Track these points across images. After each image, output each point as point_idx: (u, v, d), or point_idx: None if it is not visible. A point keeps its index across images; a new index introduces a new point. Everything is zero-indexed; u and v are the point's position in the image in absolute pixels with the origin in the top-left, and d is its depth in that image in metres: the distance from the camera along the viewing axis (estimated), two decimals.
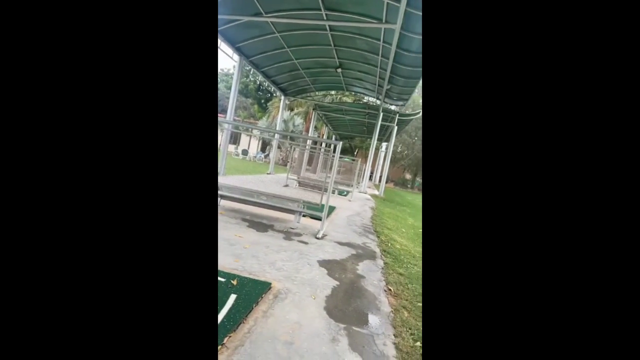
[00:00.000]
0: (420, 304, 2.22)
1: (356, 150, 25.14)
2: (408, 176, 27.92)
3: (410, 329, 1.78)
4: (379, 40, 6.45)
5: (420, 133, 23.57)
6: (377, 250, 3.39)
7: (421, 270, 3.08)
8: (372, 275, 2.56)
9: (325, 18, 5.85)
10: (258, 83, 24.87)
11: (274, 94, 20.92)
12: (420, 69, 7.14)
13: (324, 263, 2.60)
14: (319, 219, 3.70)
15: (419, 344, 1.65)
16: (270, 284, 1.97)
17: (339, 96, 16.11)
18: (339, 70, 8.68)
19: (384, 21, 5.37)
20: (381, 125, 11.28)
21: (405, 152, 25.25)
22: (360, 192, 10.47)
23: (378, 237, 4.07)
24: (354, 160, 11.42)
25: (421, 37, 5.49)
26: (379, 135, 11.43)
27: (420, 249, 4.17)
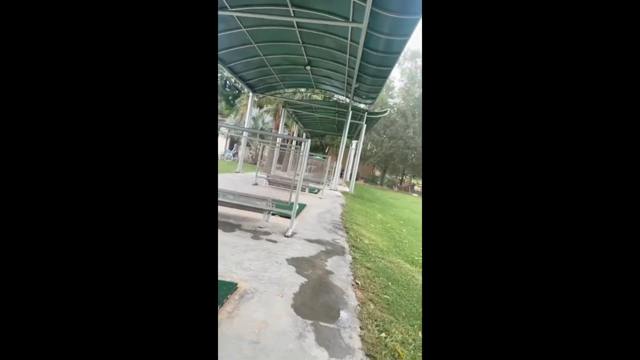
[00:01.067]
0: (386, 296, 2.29)
1: (327, 148, 25.31)
2: (378, 173, 28.64)
3: (375, 320, 1.83)
4: (347, 38, 6.52)
5: (388, 131, 24.25)
6: (346, 245, 3.45)
7: (388, 263, 3.19)
8: (340, 270, 2.60)
9: (292, 15, 5.81)
10: (225, 79, 24.12)
11: (242, 91, 20.41)
12: (387, 69, 7.33)
13: (292, 261, 2.59)
14: (289, 217, 3.68)
15: (383, 334, 1.70)
16: (236, 284, 1.93)
17: (309, 94, 16.09)
18: (308, 67, 8.67)
19: (350, 20, 5.43)
20: (351, 123, 11.45)
21: (375, 149, 25.86)
22: (331, 189, 10.57)
23: (347, 233, 4.13)
24: (324, 157, 11.48)
25: (387, 37, 5.64)
26: (348, 133, 11.58)
27: (388, 243, 4.31)
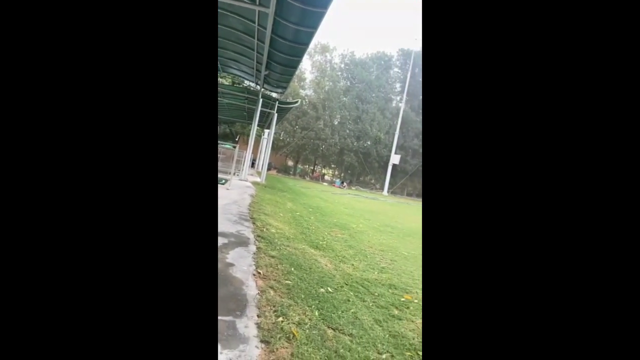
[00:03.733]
0: (288, 282, 2.35)
1: (238, 137, 24.24)
2: (291, 163, 29.03)
3: (274, 306, 1.86)
4: (254, 22, 6.27)
5: (300, 122, 24.73)
6: (251, 236, 3.39)
7: (293, 250, 3.27)
8: (242, 261, 2.54)
9: None
10: None
11: None
12: (297, 59, 7.39)
13: None
14: None
15: (280, 319, 1.74)
16: None
17: None
18: None
19: (257, 3, 5.22)
20: (262, 111, 11.19)
21: (288, 139, 26.06)
22: (241, 179, 10.19)
23: (254, 223, 4.06)
24: (234, 146, 10.97)
25: (295, 27, 5.65)
26: (260, 121, 11.31)
27: (295, 231, 4.43)
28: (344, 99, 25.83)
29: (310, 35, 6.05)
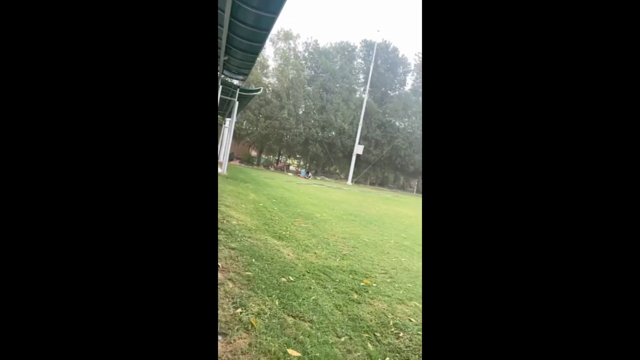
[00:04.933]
0: (248, 273, 2.32)
1: None
2: (254, 153, 28.37)
3: (232, 298, 1.83)
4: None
5: (263, 110, 24.13)
6: None
7: (255, 241, 3.23)
8: None
9: None
10: None
11: None
12: (258, 45, 7.13)
13: None
14: None
15: (239, 310, 1.72)
16: None
17: None
18: None
19: None
20: (222, 98, 10.72)
21: (251, 128, 25.36)
22: None
23: None
24: None
25: (256, 11, 5.43)
26: (221, 109, 10.83)
27: (257, 222, 4.36)
28: (309, 88, 25.65)
29: (271, 21, 5.86)
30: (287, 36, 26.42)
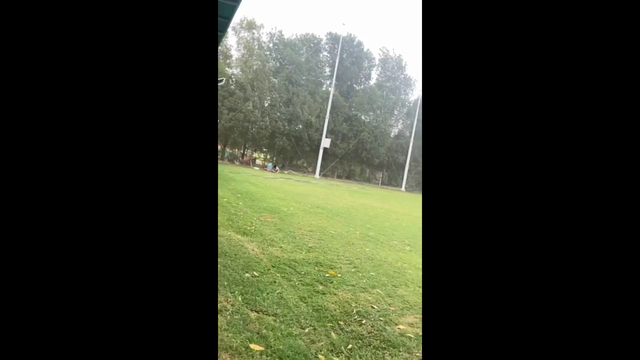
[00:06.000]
0: None
1: None
2: (219, 147, 27.37)
3: None
4: None
5: (226, 102, 23.28)
6: None
7: (218, 237, 3.13)
8: None
9: None
10: None
11: None
12: (220, 33, 6.82)
13: None
14: None
15: None
16: None
17: None
18: None
19: None
20: None
21: None
22: None
23: None
24: None
25: None
26: None
27: (221, 217, 4.23)
28: (274, 80, 25.17)
29: (232, 9, 5.62)
30: (251, 25, 25.56)
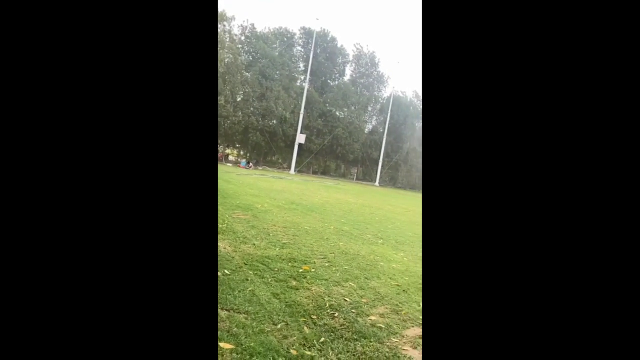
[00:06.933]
0: None
1: None
2: None
3: None
4: None
5: None
6: None
7: None
8: None
9: None
10: None
11: None
12: None
13: None
14: None
15: None
16: None
17: None
18: None
19: None
20: None
21: None
22: None
23: None
24: None
25: None
26: None
27: None
28: (247, 74, 24.59)
29: None
30: (222, 17, 24.72)
